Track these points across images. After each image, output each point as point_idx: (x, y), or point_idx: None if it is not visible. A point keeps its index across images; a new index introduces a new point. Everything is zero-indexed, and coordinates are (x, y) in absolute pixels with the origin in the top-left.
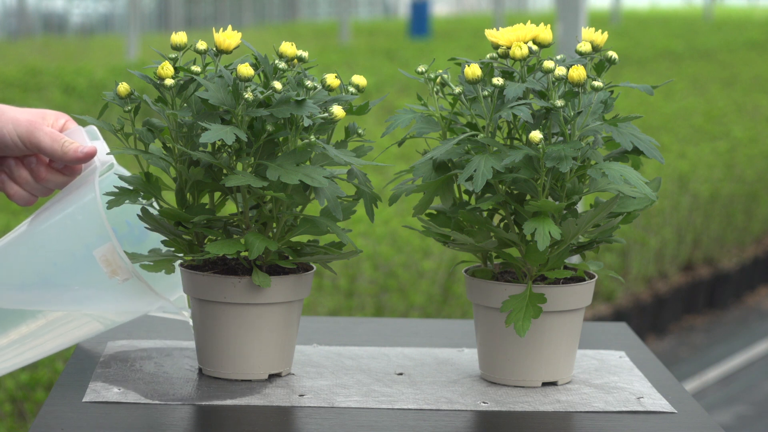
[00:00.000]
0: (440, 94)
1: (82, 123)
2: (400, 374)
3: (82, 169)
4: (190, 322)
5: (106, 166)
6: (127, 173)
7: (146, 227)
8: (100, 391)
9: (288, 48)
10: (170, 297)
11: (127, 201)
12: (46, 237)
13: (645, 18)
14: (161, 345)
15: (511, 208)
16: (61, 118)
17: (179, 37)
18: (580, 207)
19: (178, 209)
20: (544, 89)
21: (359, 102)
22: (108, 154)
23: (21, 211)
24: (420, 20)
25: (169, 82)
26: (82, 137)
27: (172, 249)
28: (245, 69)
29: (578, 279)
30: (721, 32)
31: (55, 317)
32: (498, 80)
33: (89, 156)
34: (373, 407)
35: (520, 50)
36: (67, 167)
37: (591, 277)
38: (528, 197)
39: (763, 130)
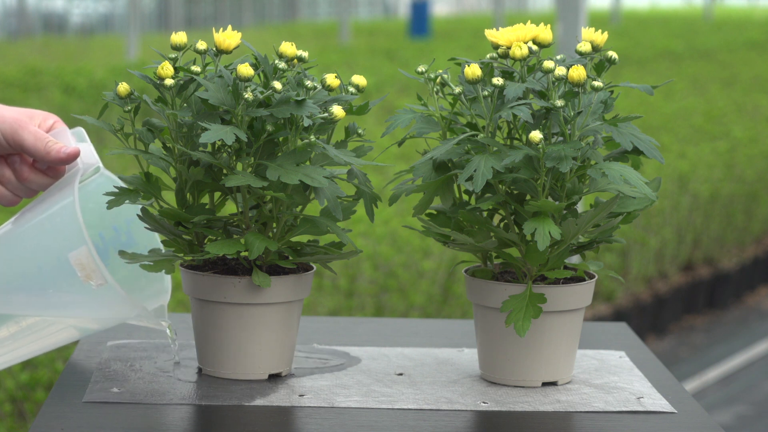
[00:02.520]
0: (440, 94)
1: (82, 123)
2: (400, 374)
3: (65, 170)
4: (168, 331)
5: (92, 170)
6: (114, 177)
7: (146, 227)
8: (100, 391)
9: (288, 48)
10: (151, 306)
11: (127, 201)
12: (26, 239)
13: (645, 18)
14: (161, 345)
15: (511, 208)
16: (50, 118)
17: (179, 37)
18: (580, 207)
19: (178, 209)
20: (544, 89)
21: (359, 102)
22: (97, 167)
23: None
24: (420, 20)
25: (169, 82)
26: (66, 138)
27: (172, 249)
28: (245, 69)
29: (578, 279)
30: (721, 32)
31: (30, 323)
32: (498, 80)
33: (72, 157)
34: (373, 407)
35: (520, 50)
36: (51, 168)
37: (591, 277)
38: (528, 197)
39: (763, 130)
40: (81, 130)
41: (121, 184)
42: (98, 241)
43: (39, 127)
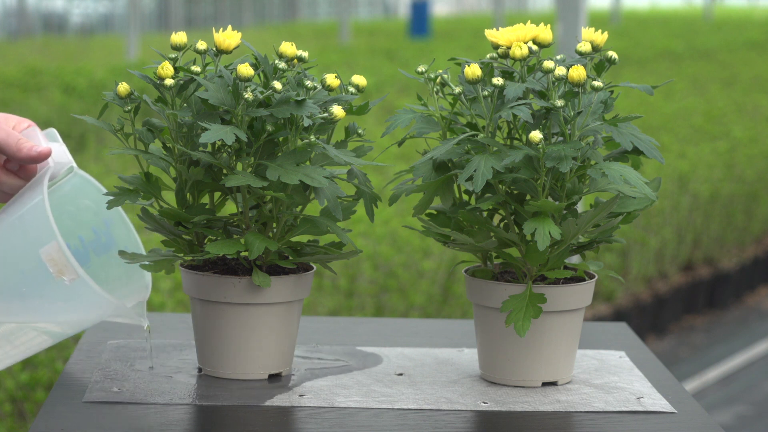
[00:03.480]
0: (440, 94)
1: (82, 123)
2: (400, 374)
3: (37, 171)
4: (146, 331)
5: (66, 169)
6: (89, 177)
7: (147, 227)
8: (100, 391)
9: (288, 48)
10: (131, 302)
11: (128, 200)
12: None
13: (645, 18)
14: (161, 345)
15: (511, 208)
16: (25, 122)
17: (179, 37)
18: (580, 207)
19: (178, 209)
20: (544, 89)
21: (359, 102)
22: (71, 166)
23: None
24: (420, 20)
25: (169, 82)
26: (37, 139)
27: (172, 249)
28: (245, 69)
29: (578, 279)
30: (721, 32)
31: (7, 329)
32: (498, 80)
33: (42, 156)
34: (373, 407)
35: (520, 50)
36: (23, 170)
37: (591, 277)
38: (528, 197)
39: (763, 130)
40: (53, 130)
41: (97, 183)
42: (78, 244)
43: (13, 129)
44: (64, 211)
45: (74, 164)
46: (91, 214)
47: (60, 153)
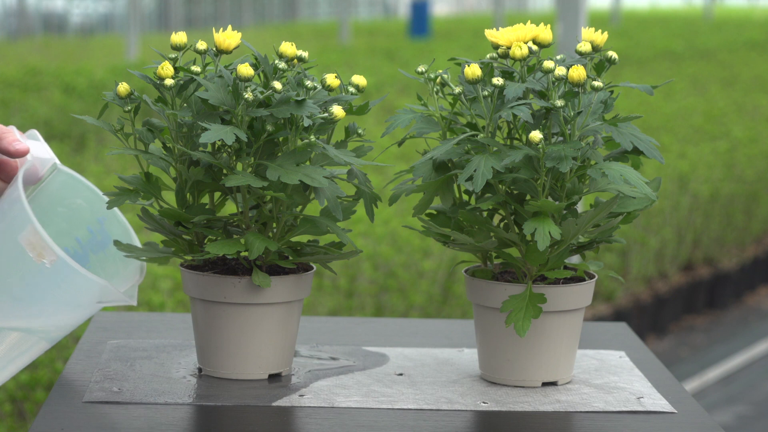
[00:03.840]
0: (440, 94)
1: (82, 123)
2: (400, 374)
3: (18, 168)
4: (134, 303)
5: (50, 167)
6: (74, 173)
7: (147, 227)
8: (100, 391)
9: (288, 48)
10: (123, 287)
11: (128, 200)
12: None
13: (645, 18)
14: (161, 345)
15: (511, 208)
16: (7, 128)
17: (179, 37)
18: (580, 207)
19: (178, 209)
20: (544, 89)
21: (359, 102)
22: (54, 164)
23: None
24: (420, 20)
25: (169, 82)
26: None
27: (172, 249)
28: (245, 69)
29: (578, 279)
30: (721, 32)
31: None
32: (498, 80)
33: (21, 152)
34: (373, 407)
35: (520, 50)
36: (3, 171)
37: (591, 277)
38: (528, 197)
39: (763, 130)
40: (34, 131)
41: (85, 180)
42: (75, 245)
43: None
44: (56, 214)
45: (57, 161)
46: (84, 213)
47: (41, 150)
